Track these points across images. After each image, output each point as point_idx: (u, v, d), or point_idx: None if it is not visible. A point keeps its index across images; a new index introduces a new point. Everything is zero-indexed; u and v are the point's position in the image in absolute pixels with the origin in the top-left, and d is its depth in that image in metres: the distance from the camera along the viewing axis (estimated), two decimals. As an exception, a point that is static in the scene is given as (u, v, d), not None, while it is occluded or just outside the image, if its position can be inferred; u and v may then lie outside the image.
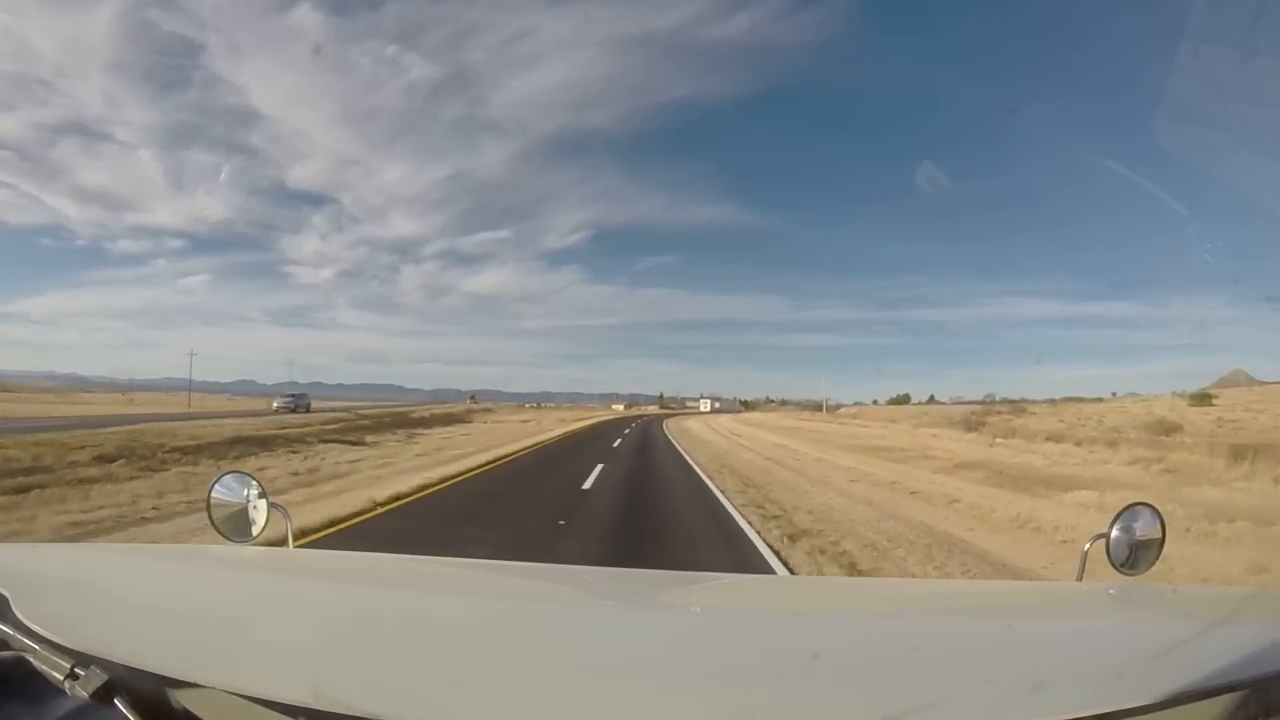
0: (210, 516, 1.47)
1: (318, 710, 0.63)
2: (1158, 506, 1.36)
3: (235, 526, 1.46)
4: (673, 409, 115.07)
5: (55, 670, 0.76)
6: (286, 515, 1.53)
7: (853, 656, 0.85)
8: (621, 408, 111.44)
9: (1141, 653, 0.93)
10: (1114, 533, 1.31)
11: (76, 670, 0.74)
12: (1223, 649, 0.91)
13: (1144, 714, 0.64)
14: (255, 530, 1.47)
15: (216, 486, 1.48)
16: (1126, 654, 0.92)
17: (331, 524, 7.25)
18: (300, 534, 5.99)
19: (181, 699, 0.71)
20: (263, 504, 1.48)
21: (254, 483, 1.50)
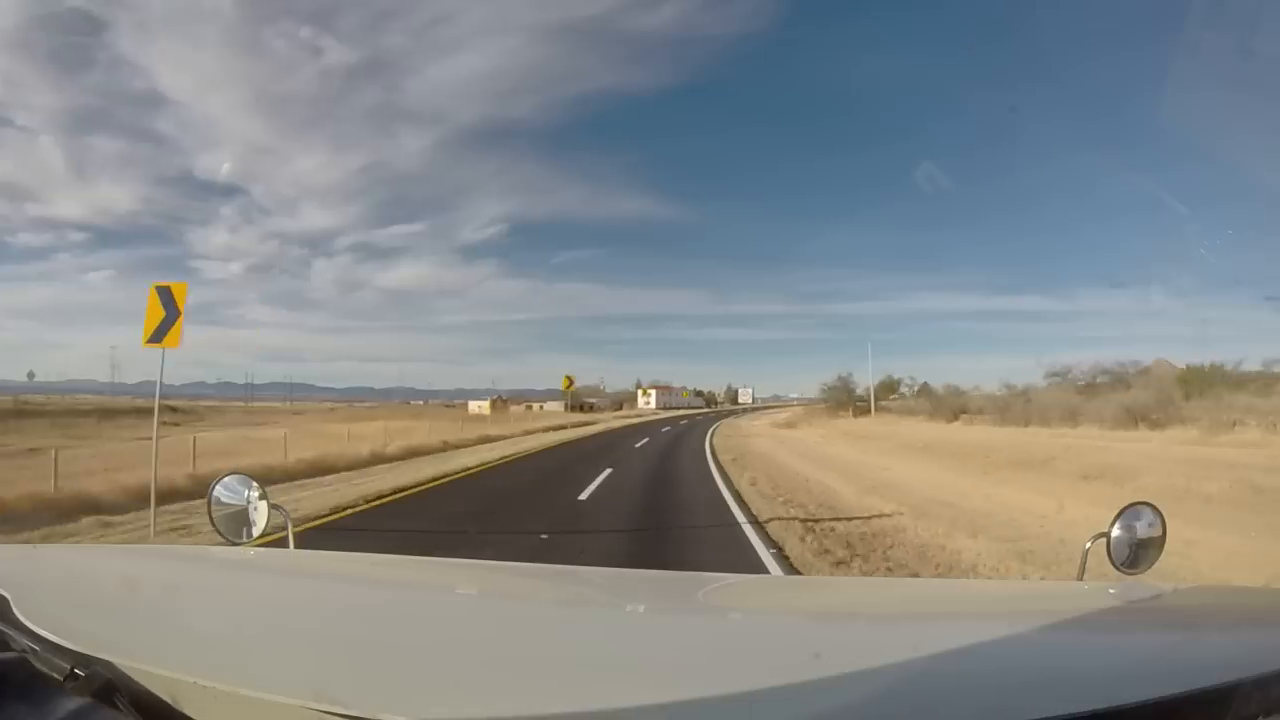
0: (211, 517, 1.48)
1: (319, 710, 0.63)
2: None
3: (236, 527, 1.47)
4: (594, 408, 64.95)
5: (56, 671, 0.76)
6: (287, 516, 1.53)
7: (854, 657, 0.85)
8: (484, 406, 59.99)
9: (1142, 652, 0.94)
10: (1115, 532, 1.31)
11: (77, 671, 0.74)
12: (1223, 647, 0.92)
13: (1145, 713, 0.64)
14: (255, 531, 1.48)
15: (217, 487, 1.49)
16: (1126, 653, 0.93)
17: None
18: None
19: (182, 699, 0.71)
20: (263, 505, 1.49)
21: (255, 484, 1.51)
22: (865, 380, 42.44)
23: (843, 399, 41.93)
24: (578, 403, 66.54)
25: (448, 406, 68.84)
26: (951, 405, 32.58)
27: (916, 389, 41.95)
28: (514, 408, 57.46)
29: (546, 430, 27.55)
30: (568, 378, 32.78)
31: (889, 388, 43.48)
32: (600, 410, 64.00)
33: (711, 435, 26.04)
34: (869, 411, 39.42)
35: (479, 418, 40.86)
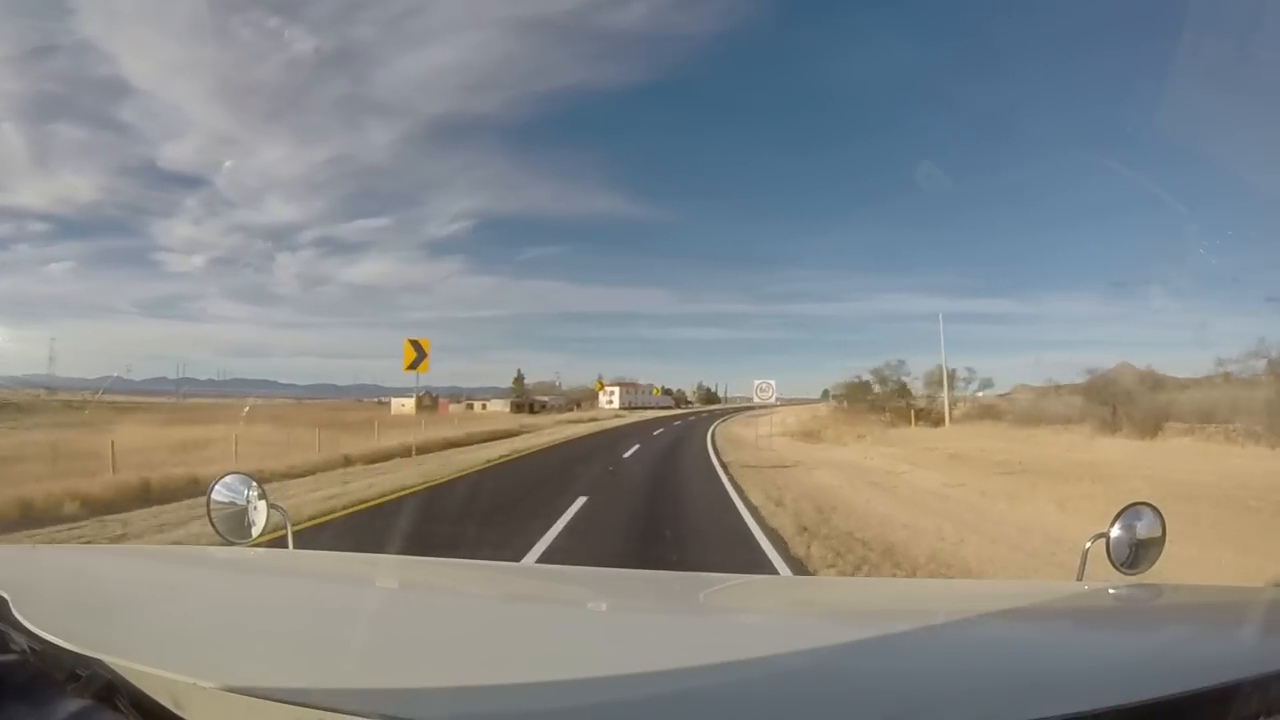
0: (210, 517, 1.47)
1: (318, 710, 0.63)
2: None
3: (235, 527, 1.46)
4: (545, 408, 53.11)
5: (56, 672, 0.76)
6: (286, 516, 1.53)
7: (855, 656, 0.85)
8: (408, 404, 42.20)
9: (1141, 652, 0.94)
10: (1114, 532, 1.31)
11: (78, 671, 0.74)
12: (1223, 648, 0.92)
13: (1145, 713, 0.64)
14: (255, 531, 1.47)
15: (217, 487, 1.48)
16: (1126, 653, 0.93)
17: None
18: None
19: (182, 700, 0.71)
20: (262, 505, 1.48)
21: (254, 483, 1.50)
22: (910, 377, 28.05)
23: (884, 401, 28.13)
24: (527, 401, 57.31)
25: (380, 404, 56.37)
26: (1147, 408, 18.33)
27: (977, 383, 27.97)
28: (452, 406, 47.87)
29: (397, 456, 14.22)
30: (412, 341, 14.51)
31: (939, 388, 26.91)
32: (552, 410, 51.57)
33: (721, 463, 14.00)
34: (930, 417, 25.96)
35: (400, 420, 28.68)
